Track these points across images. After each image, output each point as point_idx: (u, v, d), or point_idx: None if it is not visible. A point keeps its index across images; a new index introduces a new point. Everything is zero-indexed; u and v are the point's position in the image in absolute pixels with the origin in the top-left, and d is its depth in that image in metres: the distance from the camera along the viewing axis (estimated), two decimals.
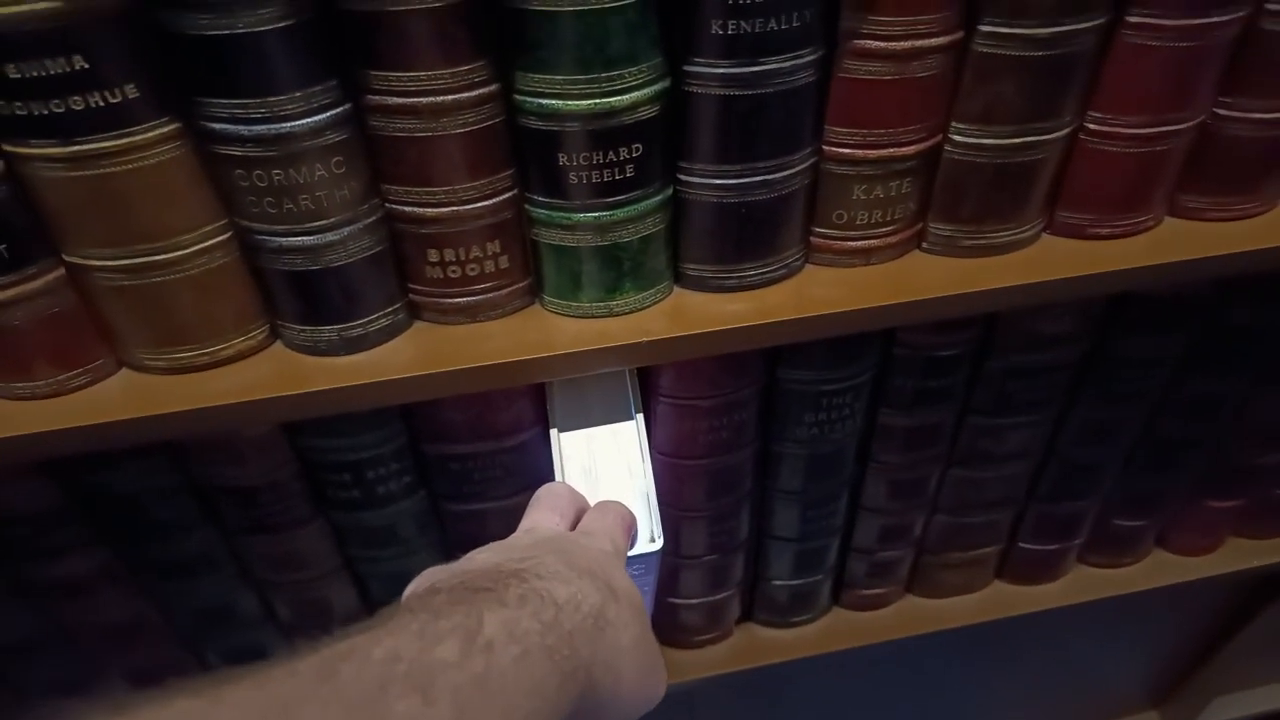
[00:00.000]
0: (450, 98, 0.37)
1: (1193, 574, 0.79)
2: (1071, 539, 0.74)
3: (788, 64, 0.40)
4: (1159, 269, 0.49)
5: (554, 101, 0.38)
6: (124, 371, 0.44)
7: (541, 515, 0.40)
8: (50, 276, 0.39)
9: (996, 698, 1.01)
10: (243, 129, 0.36)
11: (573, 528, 0.40)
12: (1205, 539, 0.80)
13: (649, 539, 0.45)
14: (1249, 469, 0.72)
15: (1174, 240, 0.51)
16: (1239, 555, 0.80)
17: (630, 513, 0.43)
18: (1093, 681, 1.04)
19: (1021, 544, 0.74)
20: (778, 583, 0.69)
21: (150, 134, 0.35)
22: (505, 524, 0.56)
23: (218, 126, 0.36)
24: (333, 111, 0.36)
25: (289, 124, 0.36)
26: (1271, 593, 0.90)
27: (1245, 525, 0.80)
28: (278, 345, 0.45)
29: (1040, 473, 0.68)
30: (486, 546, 0.36)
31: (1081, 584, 0.78)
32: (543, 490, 0.42)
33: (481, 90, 0.38)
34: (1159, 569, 0.80)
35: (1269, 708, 1.09)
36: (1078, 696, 1.05)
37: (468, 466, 0.52)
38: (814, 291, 0.48)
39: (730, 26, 0.38)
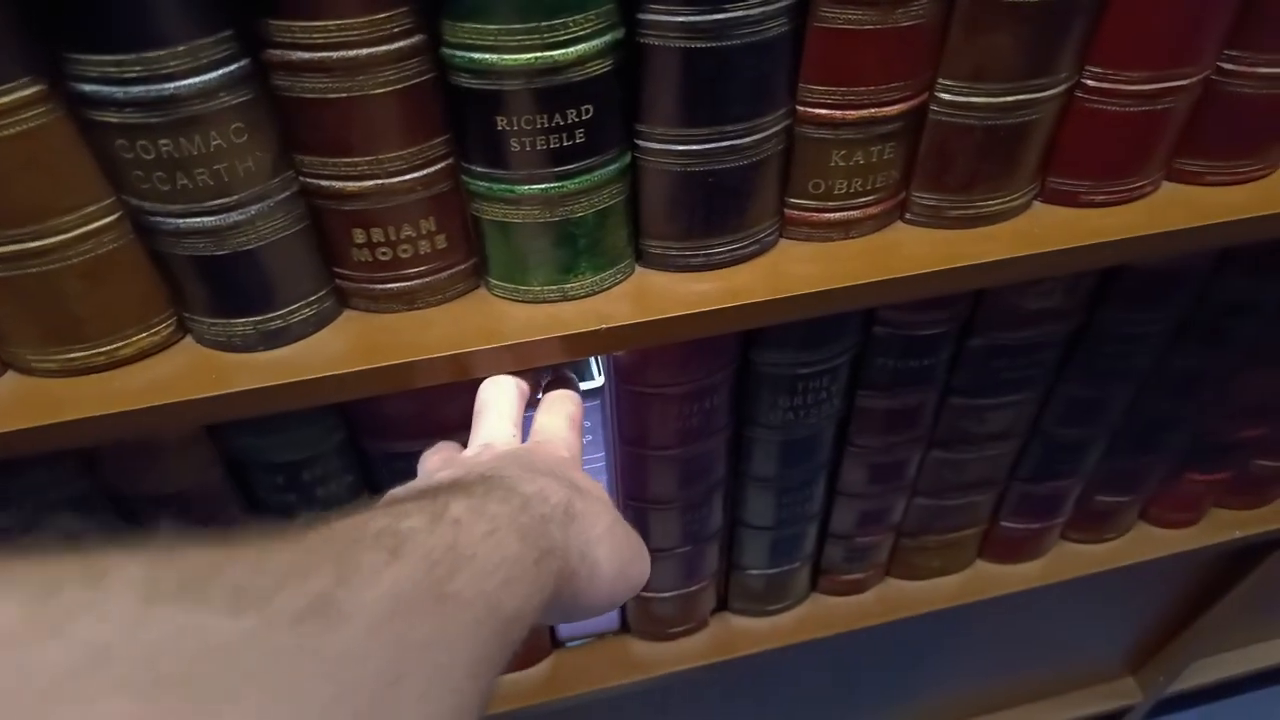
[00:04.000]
0: (366, 52, 0.32)
1: (1175, 547, 0.78)
2: (1054, 517, 0.72)
3: (756, 11, 0.35)
4: (1159, 238, 0.46)
5: (488, 56, 0.33)
6: (10, 375, 0.38)
7: (493, 424, 0.39)
8: None
9: (970, 668, 1.00)
10: (117, 90, 0.30)
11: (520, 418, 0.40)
12: (1187, 512, 0.78)
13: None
14: (1232, 443, 0.71)
15: (1172, 207, 0.47)
16: (1221, 527, 0.79)
17: (578, 407, 0.42)
18: (1069, 651, 1.03)
19: (1003, 523, 0.71)
20: (753, 572, 0.66)
21: (9, 98, 0.30)
22: None
23: (88, 88, 0.30)
24: (226, 69, 0.31)
25: (172, 84, 0.30)
26: (1252, 560, 0.89)
27: (1227, 496, 0.78)
28: (188, 340, 0.40)
29: (1023, 453, 0.65)
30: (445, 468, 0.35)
31: (1063, 561, 0.76)
32: (486, 392, 0.40)
33: (403, 43, 0.32)
34: (1141, 543, 0.78)
35: (1247, 668, 1.09)
36: (1054, 666, 1.04)
37: (415, 465, 0.47)
38: (789, 269, 0.44)
39: None
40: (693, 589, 0.65)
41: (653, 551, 0.60)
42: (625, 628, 0.69)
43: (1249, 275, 0.55)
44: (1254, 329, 0.59)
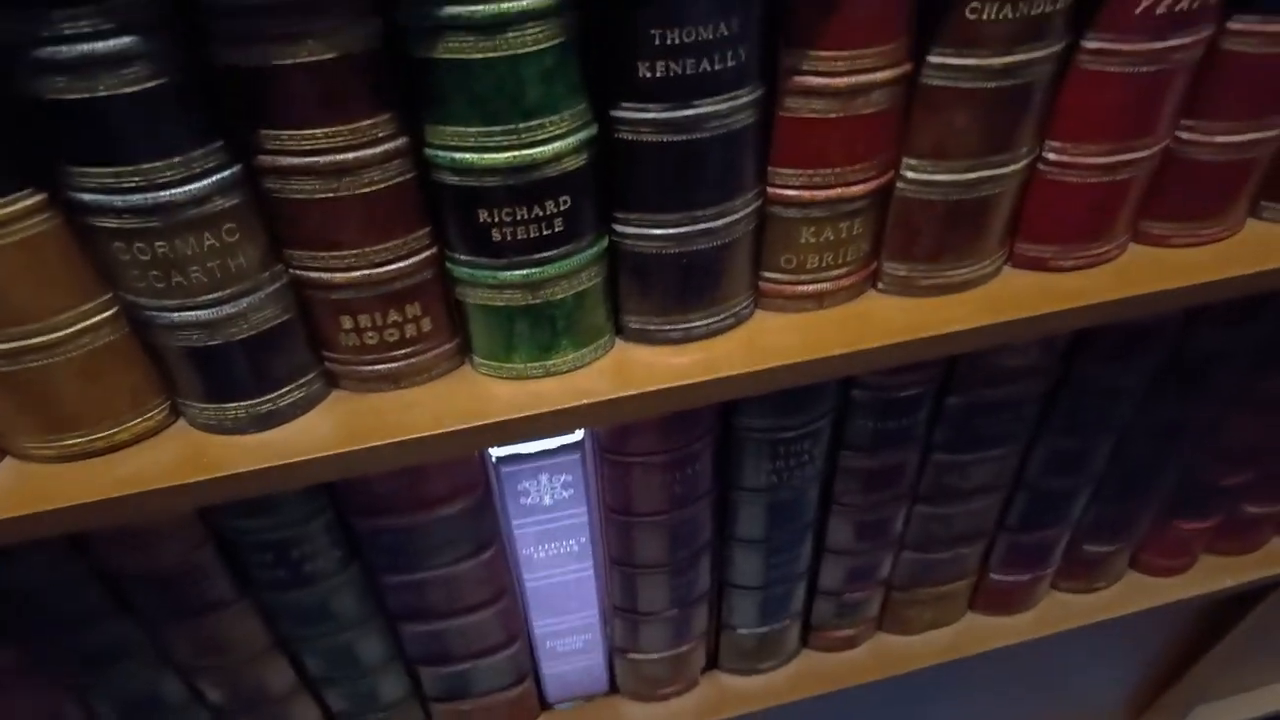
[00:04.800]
0: (352, 155, 0.34)
1: (1167, 595, 0.78)
2: (1043, 568, 0.72)
3: (724, 106, 0.37)
4: (1127, 301, 0.47)
5: (469, 155, 0.35)
6: (9, 461, 0.40)
7: None
8: None
9: (971, 718, 0.99)
10: (116, 199, 0.32)
11: None
12: (1178, 559, 0.78)
13: None
14: (1218, 489, 0.71)
15: (1139, 270, 0.49)
16: (1213, 574, 0.79)
17: None
18: (1070, 698, 1.02)
19: (993, 575, 0.72)
20: (743, 630, 0.66)
21: (11, 208, 0.32)
22: (447, 593, 0.53)
23: (88, 197, 0.32)
24: (218, 176, 0.33)
25: (168, 192, 0.32)
26: (1250, 601, 0.89)
27: (1218, 542, 0.78)
28: (180, 423, 0.41)
29: (1009, 505, 0.66)
30: None
31: (1056, 611, 0.77)
32: None
33: (387, 146, 0.34)
34: (1133, 592, 0.78)
35: (1251, 714, 1.08)
36: (1055, 713, 1.04)
37: (402, 539, 0.48)
38: (765, 340, 0.45)
39: (660, 69, 0.35)
40: (682, 649, 0.65)
41: (641, 614, 0.61)
42: (615, 689, 0.69)
43: (1222, 326, 0.56)
44: (1231, 378, 0.60)
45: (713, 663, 0.71)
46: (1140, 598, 0.78)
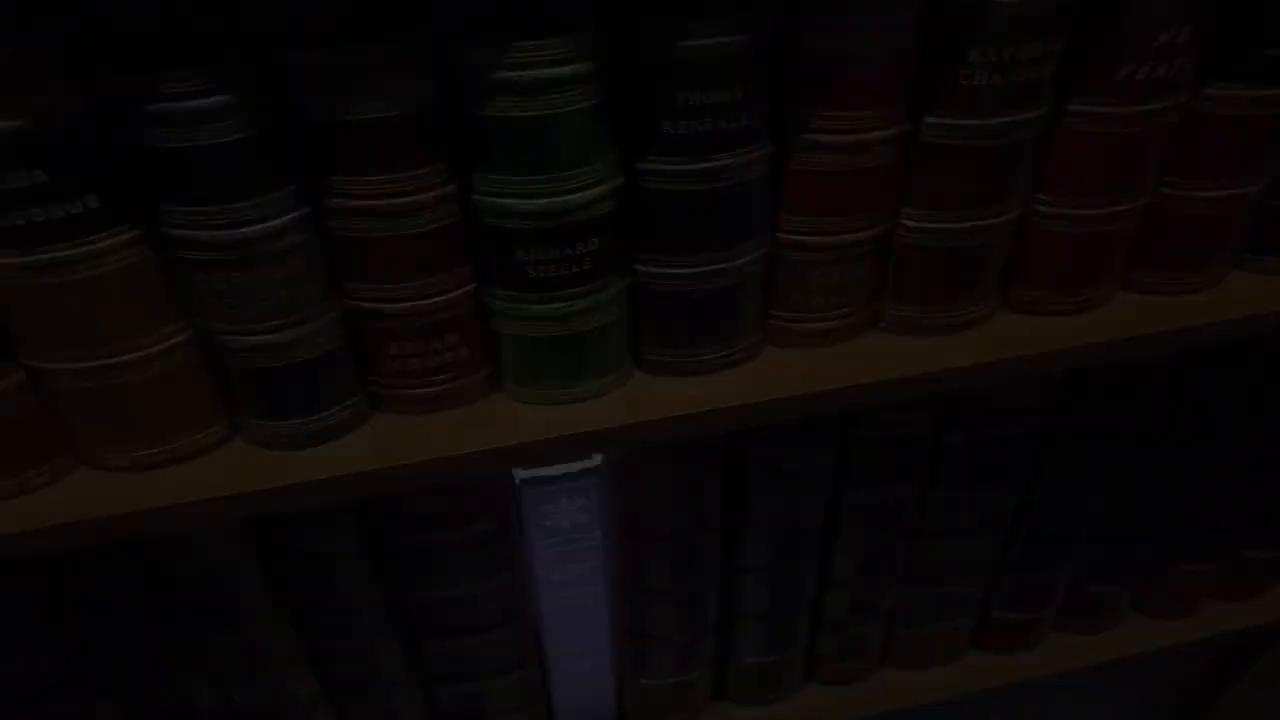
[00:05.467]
0: (409, 200, 0.38)
1: (1170, 639, 0.79)
2: (1045, 607, 0.74)
3: (739, 159, 0.41)
4: (1116, 344, 0.50)
5: (511, 201, 0.39)
6: (84, 470, 0.43)
7: None
8: (8, 381, 0.39)
9: None
10: (202, 234, 0.36)
11: None
12: (1181, 602, 0.79)
13: None
14: (1218, 530, 0.73)
15: (1126, 315, 0.52)
16: (1216, 618, 0.80)
17: None
18: None
19: (995, 613, 0.73)
20: (749, 660, 0.68)
21: (110, 241, 0.36)
22: (472, 610, 0.56)
23: (177, 232, 0.37)
24: (290, 215, 0.37)
25: (248, 229, 0.36)
26: (1257, 648, 0.90)
27: (1220, 587, 0.80)
28: (236, 439, 0.45)
29: (1009, 542, 0.68)
30: None
31: (1060, 652, 0.78)
32: None
33: (439, 192, 0.39)
34: (1136, 635, 0.79)
35: None
36: None
37: (432, 554, 0.52)
38: (773, 374, 0.49)
39: (681, 126, 0.39)
40: (689, 676, 0.67)
41: (649, 639, 0.63)
42: (623, 715, 0.71)
43: (1216, 368, 0.59)
44: (1227, 419, 0.62)
45: (719, 693, 0.73)
46: (1143, 640, 0.78)
